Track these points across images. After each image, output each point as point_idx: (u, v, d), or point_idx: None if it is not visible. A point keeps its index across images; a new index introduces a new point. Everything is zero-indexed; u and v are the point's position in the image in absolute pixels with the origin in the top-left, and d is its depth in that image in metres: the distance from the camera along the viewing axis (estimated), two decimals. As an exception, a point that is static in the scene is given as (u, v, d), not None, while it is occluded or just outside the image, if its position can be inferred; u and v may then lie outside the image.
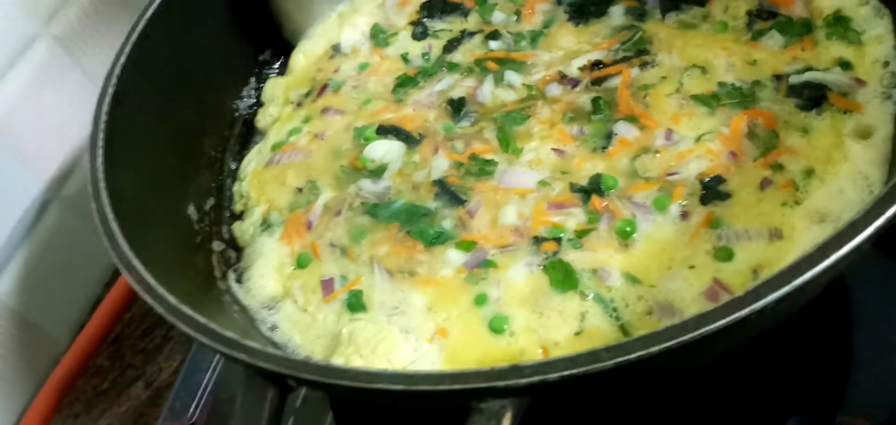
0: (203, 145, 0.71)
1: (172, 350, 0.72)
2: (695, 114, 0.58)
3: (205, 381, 0.66)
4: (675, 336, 0.38)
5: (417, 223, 0.60)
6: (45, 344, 0.71)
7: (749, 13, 0.64)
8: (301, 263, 0.61)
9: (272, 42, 0.79)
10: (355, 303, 0.57)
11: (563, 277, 0.52)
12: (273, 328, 0.59)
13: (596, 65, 0.65)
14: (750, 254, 0.50)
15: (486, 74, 0.69)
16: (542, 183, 0.59)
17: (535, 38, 0.71)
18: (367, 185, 0.64)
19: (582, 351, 0.39)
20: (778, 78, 0.59)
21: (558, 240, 0.55)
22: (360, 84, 0.75)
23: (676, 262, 0.51)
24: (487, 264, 0.55)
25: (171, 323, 0.47)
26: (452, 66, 0.72)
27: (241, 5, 0.75)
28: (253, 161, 0.73)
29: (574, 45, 0.69)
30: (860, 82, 0.56)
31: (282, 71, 0.80)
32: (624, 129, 0.59)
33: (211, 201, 0.69)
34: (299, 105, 0.76)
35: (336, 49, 0.79)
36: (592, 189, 0.57)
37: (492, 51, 0.71)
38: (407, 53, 0.75)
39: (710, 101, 0.59)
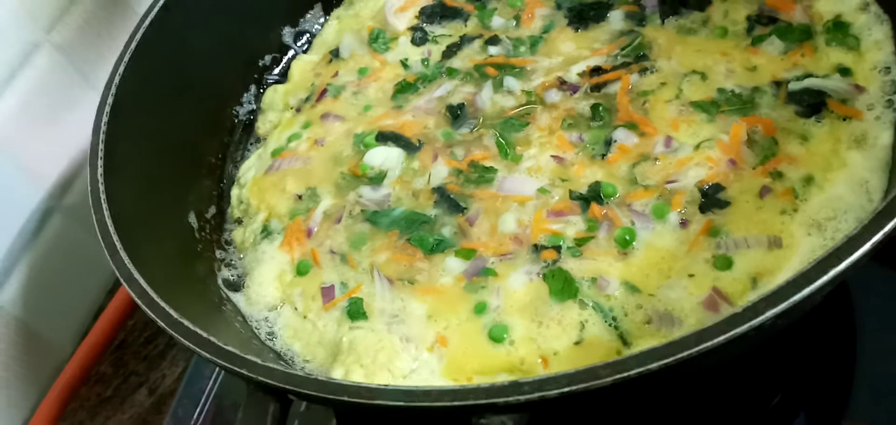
0: (203, 153, 0.71)
1: (175, 356, 0.72)
2: (694, 120, 0.58)
3: (207, 388, 0.66)
4: (674, 352, 0.38)
5: (417, 230, 0.60)
6: (49, 351, 0.71)
7: (749, 18, 0.63)
8: (301, 270, 0.62)
9: (271, 48, 0.79)
10: (355, 311, 0.57)
11: (562, 286, 0.52)
12: (272, 336, 0.60)
13: (595, 70, 0.65)
14: (749, 262, 0.50)
15: (486, 80, 0.69)
16: (542, 190, 0.59)
17: (534, 43, 0.71)
18: (367, 192, 0.64)
19: (581, 366, 0.39)
20: (777, 84, 0.59)
21: (558, 248, 0.55)
22: (360, 89, 0.75)
23: (675, 271, 0.51)
24: (487, 272, 0.55)
25: (172, 338, 0.47)
26: (452, 72, 0.72)
27: (239, 13, 0.75)
28: (253, 167, 0.73)
29: (574, 51, 0.68)
30: (860, 89, 0.56)
31: (281, 76, 0.81)
32: (623, 136, 0.59)
33: (212, 210, 0.69)
34: (299, 110, 0.76)
35: (335, 54, 0.79)
36: (592, 196, 0.57)
37: (491, 56, 0.71)
38: (406, 59, 0.75)
39: (709, 107, 0.59)
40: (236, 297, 0.63)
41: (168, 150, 0.66)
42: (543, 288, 0.53)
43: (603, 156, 0.59)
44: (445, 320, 0.54)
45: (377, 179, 0.65)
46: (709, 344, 0.37)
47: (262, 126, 0.77)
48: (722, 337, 0.37)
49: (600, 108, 0.62)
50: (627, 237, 0.53)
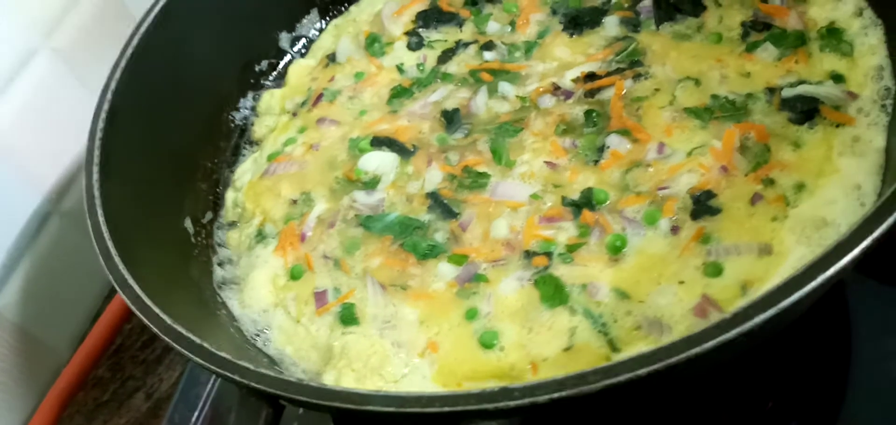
0: (199, 158, 0.71)
1: (172, 361, 0.72)
2: (687, 127, 0.58)
3: (204, 394, 0.66)
4: (664, 357, 0.38)
5: (410, 236, 0.60)
6: (46, 356, 0.72)
7: (743, 24, 0.63)
8: (294, 275, 0.62)
9: (268, 53, 0.79)
10: (348, 317, 0.57)
11: (553, 292, 0.53)
12: (266, 340, 0.60)
13: (589, 76, 0.65)
14: (739, 269, 0.50)
15: (480, 85, 0.69)
16: (534, 196, 0.59)
17: (529, 48, 0.71)
18: (361, 197, 0.64)
19: (571, 372, 0.39)
20: (771, 91, 0.59)
21: (549, 254, 0.55)
22: (356, 94, 0.75)
23: (666, 277, 0.51)
24: (479, 278, 0.56)
25: (166, 344, 0.47)
26: (447, 77, 0.72)
27: (236, 18, 0.75)
28: (249, 171, 0.73)
29: (568, 56, 0.69)
30: (853, 95, 0.56)
31: (278, 81, 0.81)
32: (616, 142, 0.59)
33: (209, 215, 0.69)
34: (295, 115, 0.76)
35: (331, 58, 0.79)
36: (584, 203, 0.57)
37: (486, 61, 0.72)
38: (402, 64, 0.75)
39: (702, 113, 0.59)
40: (231, 301, 0.63)
41: (164, 156, 0.67)
42: (534, 294, 0.53)
43: (596, 162, 0.59)
44: (437, 326, 0.54)
45: (371, 184, 0.65)
46: (698, 349, 0.38)
47: (258, 130, 0.78)
48: (711, 343, 0.37)
49: (594, 114, 0.62)
50: (618, 243, 0.53)
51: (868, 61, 0.58)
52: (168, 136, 0.67)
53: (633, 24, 0.68)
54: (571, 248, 0.55)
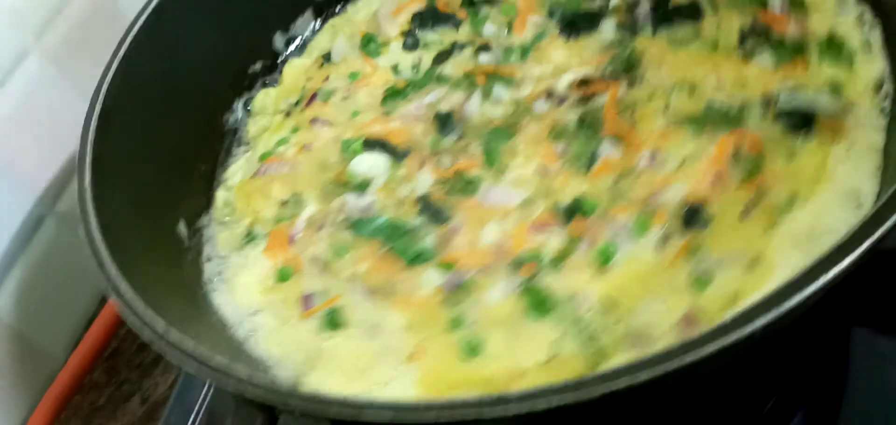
0: (193, 160, 0.71)
1: (168, 365, 0.72)
2: (681, 134, 0.58)
3: (200, 398, 0.66)
4: (656, 363, 0.37)
5: (399, 240, 0.60)
6: (41, 359, 0.72)
7: (741, 31, 0.62)
8: (282, 277, 0.62)
9: (263, 54, 0.79)
10: (334, 321, 0.57)
11: (540, 301, 0.52)
12: (255, 342, 0.59)
13: (584, 82, 0.65)
14: (729, 281, 0.49)
15: (475, 88, 0.69)
16: (525, 202, 0.59)
17: (525, 52, 0.71)
18: (352, 200, 0.64)
19: (557, 381, 0.39)
20: (767, 100, 0.58)
21: (537, 262, 0.54)
22: (350, 94, 0.74)
23: (654, 288, 0.50)
24: (466, 286, 0.55)
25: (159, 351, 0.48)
26: (442, 79, 0.72)
27: (230, 18, 0.74)
28: (240, 171, 0.73)
29: (564, 60, 0.68)
30: (850, 106, 0.55)
31: (273, 80, 0.80)
32: (608, 149, 0.59)
33: (204, 219, 0.69)
34: (289, 114, 0.76)
35: (327, 58, 0.79)
36: (574, 210, 0.56)
37: (481, 64, 0.71)
38: (397, 64, 0.75)
39: (696, 121, 0.58)
40: (221, 303, 0.63)
41: (158, 159, 0.66)
42: (521, 303, 0.53)
43: (587, 168, 0.59)
44: (423, 332, 0.54)
45: (362, 186, 0.65)
46: (694, 356, 0.37)
47: (252, 129, 0.77)
48: (710, 348, 0.37)
49: (587, 120, 0.62)
50: (608, 252, 0.53)
51: (868, 71, 0.57)
52: (162, 139, 0.67)
53: (629, 29, 0.67)
54: (560, 257, 0.54)
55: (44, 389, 0.68)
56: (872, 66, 0.57)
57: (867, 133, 0.53)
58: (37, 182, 0.70)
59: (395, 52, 0.76)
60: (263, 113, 0.78)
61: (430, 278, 0.57)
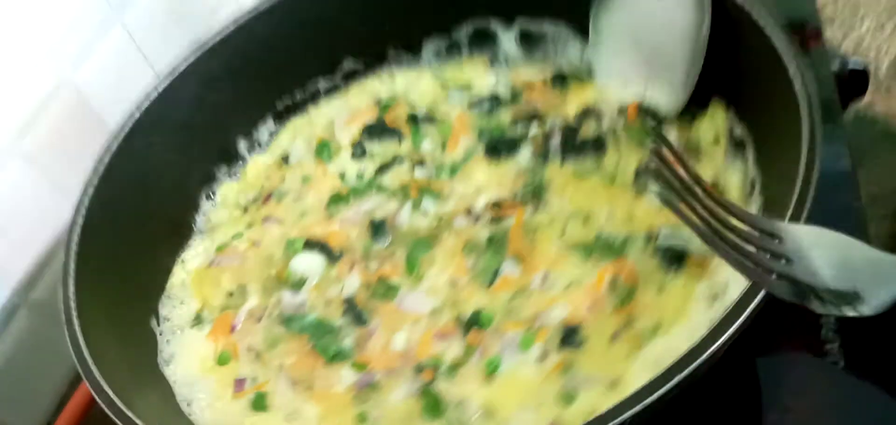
0: (165, 259, 0.79)
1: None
2: (570, 260, 0.65)
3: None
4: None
5: (323, 338, 0.67)
6: (15, 443, 0.77)
7: (636, 169, 0.70)
8: (221, 360, 0.69)
9: (228, 157, 0.87)
10: (259, 404, 0.65)
11: (432, 405, 0.59)
12: (194, 410, 0.66)
13: (497, 204, 0.73)
14: (590, 398, 0.56)
15: (408, 199, 0.77)
16: (434, 311, 0.66)
17: (454, 169, 0.79)
18: (287, 297, 0.71)
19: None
20: (649, 235, 0.65)
21: (436, 368, 0.62)
22: (301, 196, 0.83)
23: (528, 400, 0.57)
24: (374, 386, 0.62)
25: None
26: (381, 188, 0.80)
27: (198, 129, 0.83)
28: (199, 257, 0.81)
29: (485, 181, 0.76)
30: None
31: (236, 172, 0.88)
32: (509, 268, 0.67)
33: (173, 314, 0.75)
34: (246, 210, 0.84)
35: (285, 159, 0.88)
36: (473, 322, 0.64)
37: (416, 178, 0.80)
38: (344, 172, 0.83)
39: (584, 249, 0.66)
40: (169, 373, 0.69)
41: (133, 262, 0.74)
42: (417, 405, 0.60)
43: (489, 283, 0.66)
44: (333, 424, 0.61)
45: (298, 285, 0.73)
46: None
47: (212, 217, 0.84)
48: None
49: (495, 239, 0.70)
50: (494, 365, 0.60)
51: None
52: (137, 244, 0.75)
53: (542, 157, 0.75)
54: (455, 366, 0.61)
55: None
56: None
57: (727, 283, 0.60)
58: (12, 274, 0.76)
59: (344, 160, 0.84)
60: (224, 204, 0.86)
61: (344, 376, 0.64)
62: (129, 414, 0.55)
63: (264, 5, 0.86)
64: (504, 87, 0.85)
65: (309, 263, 0.74)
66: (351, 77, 0.93)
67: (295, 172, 0.86)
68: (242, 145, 0.89)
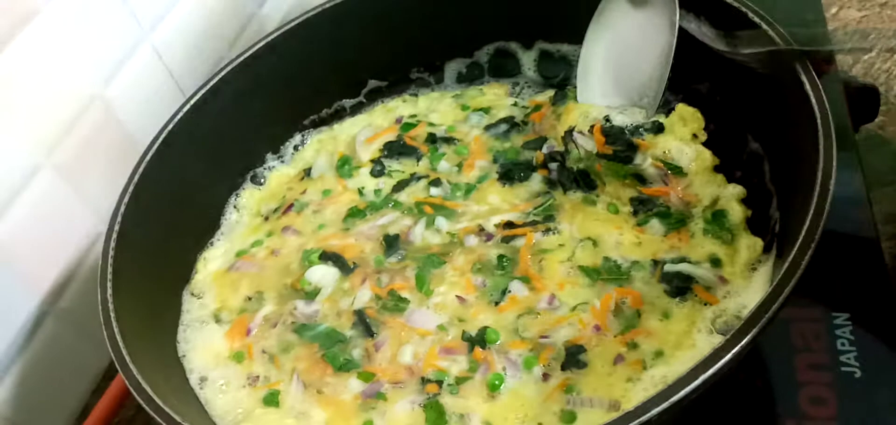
0: (191, 260, 0.82)
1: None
2: (578, 283, 0.67)
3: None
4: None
5: (332, 348, 0.69)
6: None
7: (632, 200, 0.72)
8: (237, 358, 0.72)
9: (251, 169, 0.91)
10: (271, 400, 0.67)
11: (435, 418, 0.61)
12: (206, 392, 0.69)
13: (508, 224, 0.74)
14: (589, 420, 0.57)
15: (422, 216, 0.79)
16: (441, 327, 0.68)
17: (468, 190, 0.81)
18: (301, 306, 0.74)
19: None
20: (656, 262, 0.67)
21: (440, 383, 0.63)
22: (320, 209, 0.85)
23: (529, 418, 0.59)
24: (379, 396, 0.64)
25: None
26: (397, 205, 0.82)
27: (228, 143, 0.87)
28: (219, 259, 0.84)
29: (498, 202, 0.78)
30: (724, 281, 0.64)
31: (261, 176, 0.91)
32: (517, 288, 0.68)
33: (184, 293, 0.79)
34: (266, 218, 0.87)
35: (307, 172, 0.91)
36: (478, 340, 0.65)
37: (431, 196, 0.82)
38: (363, 188, 0.86)
39: (592, 273, 0.67)
40: (185, 360, 0.72)
41: (165, 266, 0.78)
42: (421, 417, 0.62)
43: (497, 303, 0.68)
44: (339, 430, 0.63)
45: (312, 295, 0.75)
46: None
47: (234, 220, 0.88)
48: None
49: (505, 259, 0.71)
50: (497, 382, 0.61)
51: (744, 256, 0.65)
52: (168, 249, 0.79)
53: (552, 184, 0.77)
54: (459, 381, 0.63)
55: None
56: (750, 252, 0.65)
57: (731, 314, 0.61)
58: (40, 283, 0.78)
59: (363, 176, 0.87)
60: (247, 209, 0.89)
61: (352, 385, 0.66)
62: (170, 412, 0.57)
63: (292, 25, 0.89)
64: (519, 110, 0.88)
65: (323, 274, 0.76)
66: (375, 96, 0.97)
67: (316, 185, 0.88)
68: (268, 157, 0.92)
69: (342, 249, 0.79)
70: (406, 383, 0.64)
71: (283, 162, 0.93)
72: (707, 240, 0.67)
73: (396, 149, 0.89)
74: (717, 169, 0.73)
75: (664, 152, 0.72)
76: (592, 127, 0.77)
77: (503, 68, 0.94)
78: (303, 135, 0.94)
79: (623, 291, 0.64)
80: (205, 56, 0.99)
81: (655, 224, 0.69)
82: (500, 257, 0.71)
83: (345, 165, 0.89)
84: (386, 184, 0.86)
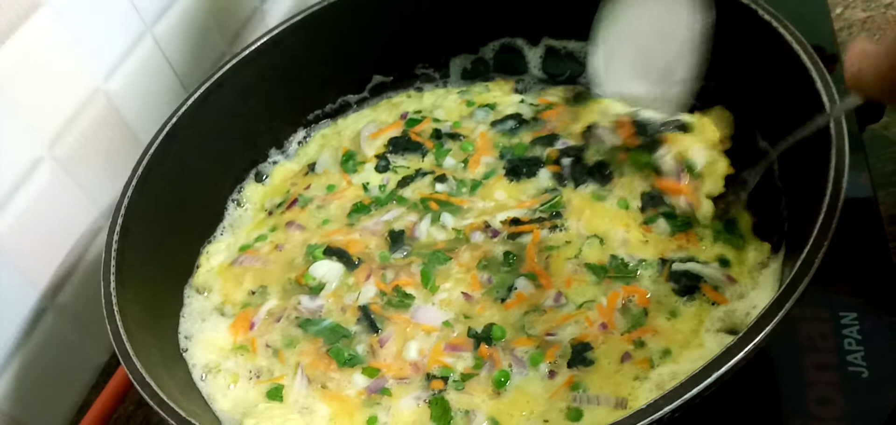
0: (194, 253, 0.82)
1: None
2: (585, 281, 0.66)
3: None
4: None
5: (337, 343, 0.69)
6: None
7: (643, 196, 0.71)
8: (240, 351, 0.71)
9: (255, 163, 0.90)
10: (274, 394, 0.67)
11: (440, 413, 0.60)
12: (208, 386, 0.69)
13: (515, 220, 0.74)
14: (596, 417, 0.57)
15: (427, 212, 0.79)
16: (446, 323, 0.67)
17: (474, 186, 0.80)
18: (305, 301, 0.73)
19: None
20: (663, 261, 0.66)
21: (446, 379, 0.63)
22: (324, 204, 0.85)
23: (535, 415, 0.58)
24: (384, 391, 0.64)
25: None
26: (401, 200, 0.82)
27: (230, 138, 0.86)
28: (223, 253, 0.83)
29: (504, 199, 0.78)
30: (732, 280, 0.63)
31: (264, 171, 0.91)
32: (523, 285, 0.68)
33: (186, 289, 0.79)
34: (270, 213, 0.86)
35: (311, 167, 0.90)
36: (484, 337, 0.65)
37: (436, 192, 0.81)
38: (368, 183, 0.85)
39: (599, 270, 0.67)
40: (188, 354, 0.72)
41: (167, 260, 0.77)
42: (426, 413, 0.61)
43: (503, 300, 0.67)
44: (343, 424, 0.63)
45: (316, 290, 0.74)
46: None
47: (238, 215, 0.87)
48: None
49: (511, 256, 0.71)
50: (502, 379, 0.61)
51: (753, 257, 0.65)
52: (171, 243, 0.78)
53: (560, 179, 0.77)
54: (465, 377, 0.63)
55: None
56: (760, 254, 0.65)
57: (741, 314, 0.60)
58: (40, 277, 0.77)
59: (368, 172, 0.86)
60: (251, 204, 0.89)
61: (356, 380, 0.66)
62: (173, 405, 0.57)
63: (296, 20, 0.89)
64: (528, 107, 0.87)
65: (328, 269, 0.76)
66: (380, 91, 0.97)
67: (320, 180, 0.88)
68: (272, 152, 0.92)
69: (347, 244, 0.78)
70: (411, 379, 0.64)
71: (287, 157, 0.92)
72: (716, 243, 0.66)
73: (401, 144, 0.88)
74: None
75: (684, 151, 0.71)
76: (616, 122, 0.76)
77: (509, 65, 0.93)
78: (307, 131, 0.94)
79: (630, 289, 0.64)
80: (207, 50, 0.98)
81: (662, 223, 0.69)
82: (507, 254, 0.71)
83: (349, 161, 0.89)
84: (391, 179, 0.85)
